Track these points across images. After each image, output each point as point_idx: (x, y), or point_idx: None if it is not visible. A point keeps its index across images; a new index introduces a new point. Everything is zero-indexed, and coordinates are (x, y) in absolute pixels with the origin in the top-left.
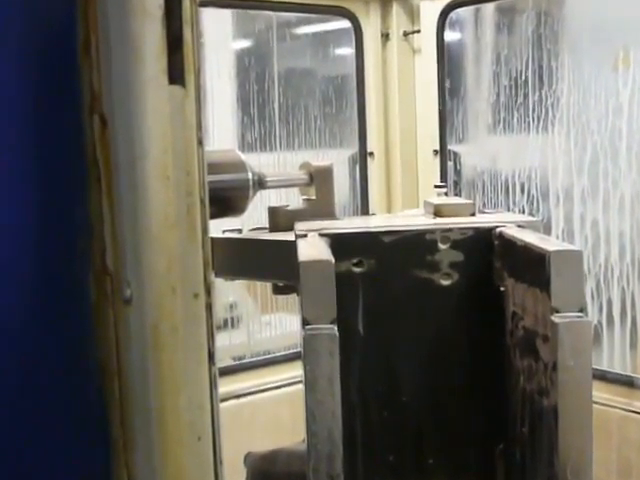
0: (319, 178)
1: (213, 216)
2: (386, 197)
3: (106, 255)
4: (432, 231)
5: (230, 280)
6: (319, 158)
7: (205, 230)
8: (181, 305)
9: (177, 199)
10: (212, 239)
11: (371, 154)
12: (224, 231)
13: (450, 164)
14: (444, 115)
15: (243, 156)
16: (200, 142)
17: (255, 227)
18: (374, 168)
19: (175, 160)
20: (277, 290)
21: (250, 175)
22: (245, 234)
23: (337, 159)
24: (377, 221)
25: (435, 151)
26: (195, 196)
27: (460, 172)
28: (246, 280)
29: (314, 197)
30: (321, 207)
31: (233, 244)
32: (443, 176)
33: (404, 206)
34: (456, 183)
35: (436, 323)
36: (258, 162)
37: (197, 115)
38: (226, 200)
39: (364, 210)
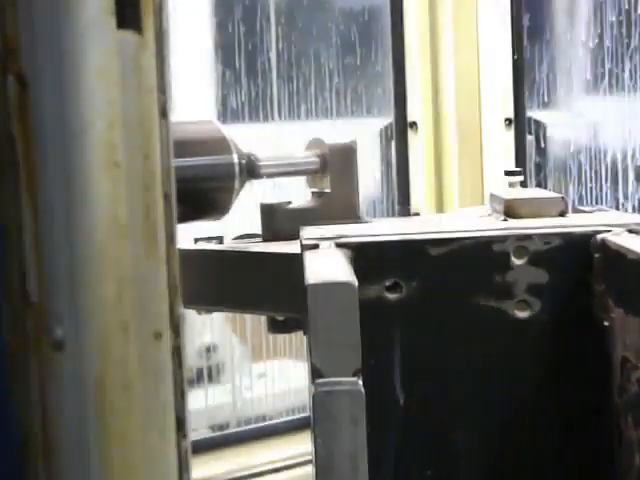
0: (336, 162)
1: (184, 219)
2: (435, 188)
3: (27, 278)
4: (502, 239)
5: (207, 313)
6: (336, 133)
7: (171, 240)
8: (136, 350)
9: (130, 195)
10: (181, 252)
11: (413, 125)
12: (198, 240)
13: (530, 139)
14: (521, 67)
15: (225, 130)
16: (164, 112)
17: (243, 234)
18: (418, 146)
19: (127, 139)
20: (275, 327)
21: (236, 158)
22: (228, 244)
23: (363, 134)
24: (421, 225)
25: (508, 120)
26: (156, 190)
27: (545, 151)
28: (230, 312)
29: (328, 190)
30: (339, 204)
31: (211, 260)
32: (520, 157)
33: (462, 202)
34: (539, 167)
35: (509, 375)
36: (247, 138)
37: (159, 73)
38: (202, 195)
39: (403, 208)
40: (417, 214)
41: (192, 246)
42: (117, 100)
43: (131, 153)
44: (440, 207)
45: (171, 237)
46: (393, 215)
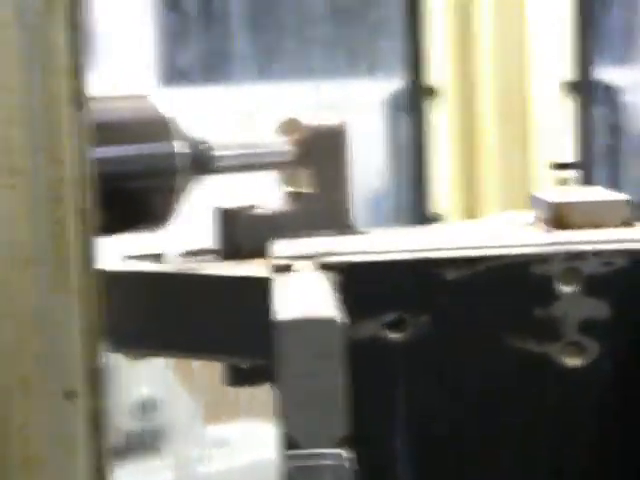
0: (319, 151)
1: (109, 230)
2: (464, 182)
3: None
4: (545, 258)
5: (142, 359)
6: (323, 102)
7: (87, 266)
8: (41, 412)
9: (33, 213)
10: (105, 276)
11: (432, 92)
12: (127, 258)
13: (601, 112)
14: (586, 10)
15: (164, 107)
16: (78, 101)
17: (191, 250)
18: (439, 121)
19: (28, 137)
20: (237, 377)
21: (179, 146)
22: (171, 264)
23: (361, 103)
24: (437, 237)
25: (566, 85)
26: (67, 204)
27: (620, 127)
28: (173, 357)
29: (308, 189)
30: (323, 209)
31: (147, 286)
32: (584, 138)
33: (502, 201)
34: (612, 150)
35: (556, 442)
36: (197, 110)
37: (71, 48)
38: (132, 198)
39: (418, 210)
40: (437, 219)
41: (120, 266)
42: (14, 86)
43: (33, 157)
44: (470, 208)
45: (87, 263)
46: (404, 220)
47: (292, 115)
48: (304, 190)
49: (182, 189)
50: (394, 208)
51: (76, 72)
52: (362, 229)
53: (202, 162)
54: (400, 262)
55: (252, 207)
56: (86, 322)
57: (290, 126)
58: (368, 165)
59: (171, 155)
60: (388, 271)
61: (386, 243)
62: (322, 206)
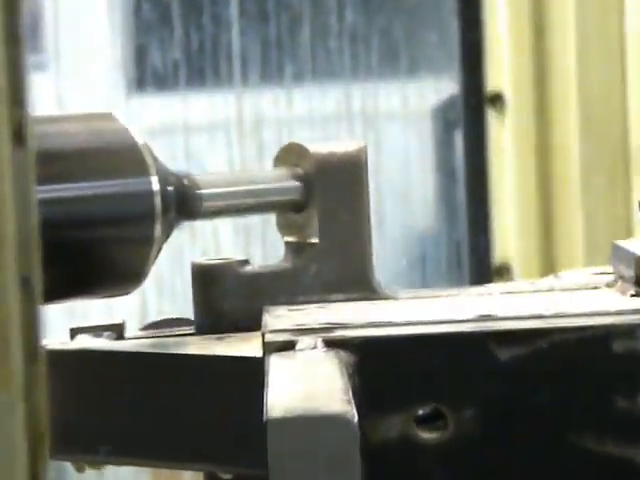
0: (329, 187)
1: (65, 294)
2: (537, 224)
3: None
4: (629, 331)
5: (100, 468)
6: (345, 115)
7: (33, 355)
8: None
9: None
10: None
11: (497, 100)
12: (77, 333)
13: None
14: None
15: (135, 130)
16: (19, 135)
17: (160, 320)
18: (506, 139)
19: None
20: None
21: (157, 183)
22: (135, 341)
23: (398, 114)
24: (488, 302)
25: None
26: (5, 273)
27: None
28: (137, 465)
29: (314, 239)
30: (334, 264)
31: (104, 370)
32: None
33: (589, 251)
34: None
35: None
36: (179, 126)
37: (11, 67)
38: (97, 251)
39: (476, 258)
40: (502, 272)
41: (69, 345)
42: None
43: None
44: (547, 257)
45: (33, 351)
46: (457, 275)
47: (297, 141)
48: (311, 240)
49: (160, 240)
50: (446, 256)
51: (19, 99)
52: (392, 291)
53: (186, 203)
54: (436, 337)
55: (242, 263)
56: (32, 425)
57: (291, 154)
58: (408, 199)
59: (147, 194)
60: (420, 349)
61: (419, 311)
62: (335, 261)
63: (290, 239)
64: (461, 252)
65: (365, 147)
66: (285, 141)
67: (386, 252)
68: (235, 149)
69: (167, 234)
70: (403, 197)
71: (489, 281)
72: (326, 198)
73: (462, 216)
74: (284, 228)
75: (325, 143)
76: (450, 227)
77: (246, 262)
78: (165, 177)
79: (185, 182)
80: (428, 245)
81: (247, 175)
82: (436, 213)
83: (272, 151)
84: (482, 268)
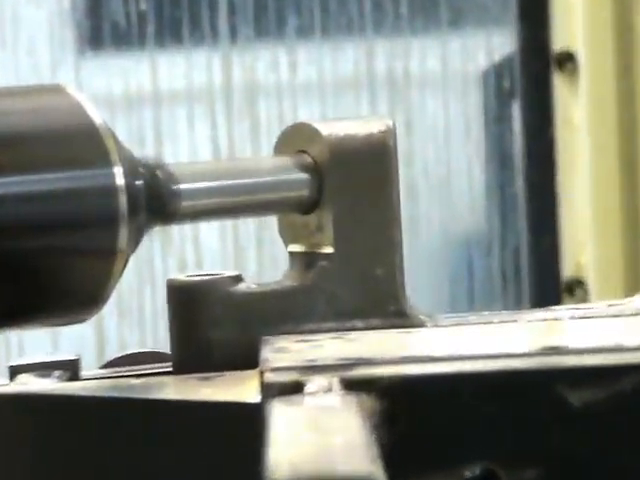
0: (348, 178)
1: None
2: (622, 223)
3: None
4: None
5: None
6: (367, 80)
7: None
8: None
9: None
10: None
11: (567, 61)
12: (15, 372)
13: None
14: None
15: (92, 106)
16: None
17: (124, 355)
18: (577, 111)
19: None
20: None
21: (121, 175)
22: (90, 381)
23: (437, 78)
24: (555, 331)
25: None
26: None
27: None
28: None
29: (328, 248)
30: (353, 280)
31: (51, 420)
32: None
33: None
34: None
35: None
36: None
37: None
38: (45, 266)
39: (540, 277)
40: (573, 290)
41: (6, 388)
42: None
43: None
44: (635, 271)
45: None
46: (516, 291)
47: (304, 119)
48: (324, 249)
49: (127, 248)
50: (496, 270)
51: None
52: (429, 316)
53: (159, 201)
54: (487, 376)
55: (233, 279)
56: None
57: (301, 137)
58: (449, 193)
59: (108, 191)
60: (467, 392)
61: (465, 342)
62: (355, 276)
63: (296, 248)
64: (519, 263)
65: (393, 126)
66: (287, 116)
67: (421, 264)
68: (221, 127)
69: (135, 243)
70: (443, 191)
71: (557, 301)
72: (343, 194)
73: (520, 215)
74: (288, 234)
75: (341, 121)
76: (505, 230)
77: (238, 278)
78: (132, 167)
79: (158, 174)
80: (476, 254)
81: (239, 164)
82: (486, 211)
83: (270, 131)
84: (547, 284)
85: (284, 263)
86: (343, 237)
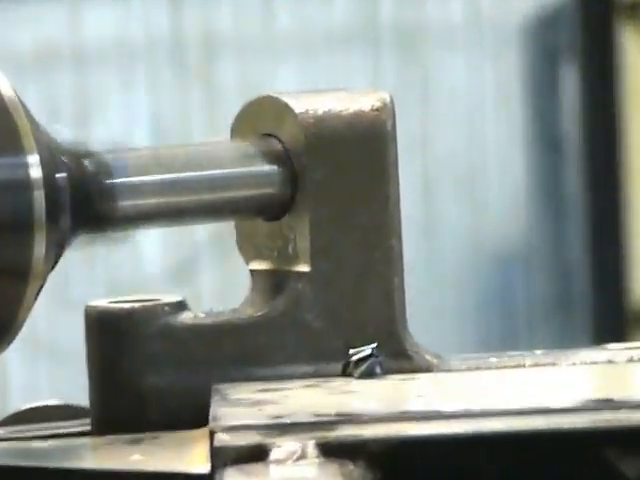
0: (328, 170)
1: None
2: None
3: None
4: None
5: None
6: (370, 34)
7: None
8: None
9: None
10: None
11: (637, 10)
12: None
13: None
14: None
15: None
16: None
17: (30, 407)
18: None
19: None
20: None
21: (38, 166)
22: None
23: (454, 37)
24: (605, 378)
25: None
26: None
27: None
28: None
29: (301, 265)
30: (339, 308)
31: None
32: None
33: None
34: None
35: None
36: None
37: None
38: None
39: (598, 306)
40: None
41: None
42: None
43: None
44: None
45: None
46: (565, 322)
47: (273, 92)
48: (297, 267)
49: (44, 264)
50: (539, 294)
51: None
52: (437, 357)
53: (89, 201)
54: (515, 438)
55: (173, 307)
56: None
57: (268, 114)
58: (476, 189)
59: (20, 186)
60: (483, 459)
61: (487, 393)
62: (339, 303)
63: (260, 266)
64: (572, 285)
65: (390, 101)
66: (259, 80)
67: (440, 287)
68: (166, 96)
69: (55, 256)
70: (470, 187)
71: (620, 335)
72: (324, 193)
73: (575, 221)
74: (249, 246)
75: (321, 94)
76: (554, 241)
77: (181, 305)
78: (51, 156)
79: (86, 164)
80: (514, 273)
81: (190, 152)
82: (528, 216)
83: (234, 100)
84: (609, 311)
85: (243, 285)
86: (323, 250)
